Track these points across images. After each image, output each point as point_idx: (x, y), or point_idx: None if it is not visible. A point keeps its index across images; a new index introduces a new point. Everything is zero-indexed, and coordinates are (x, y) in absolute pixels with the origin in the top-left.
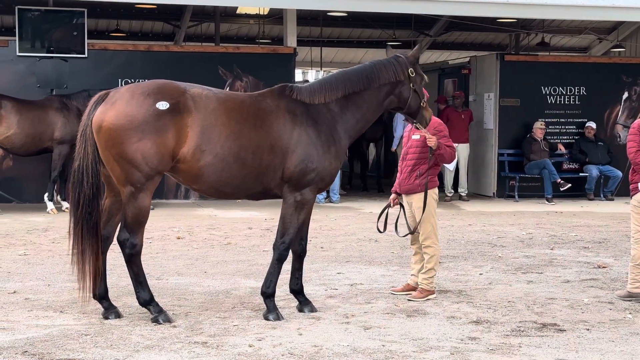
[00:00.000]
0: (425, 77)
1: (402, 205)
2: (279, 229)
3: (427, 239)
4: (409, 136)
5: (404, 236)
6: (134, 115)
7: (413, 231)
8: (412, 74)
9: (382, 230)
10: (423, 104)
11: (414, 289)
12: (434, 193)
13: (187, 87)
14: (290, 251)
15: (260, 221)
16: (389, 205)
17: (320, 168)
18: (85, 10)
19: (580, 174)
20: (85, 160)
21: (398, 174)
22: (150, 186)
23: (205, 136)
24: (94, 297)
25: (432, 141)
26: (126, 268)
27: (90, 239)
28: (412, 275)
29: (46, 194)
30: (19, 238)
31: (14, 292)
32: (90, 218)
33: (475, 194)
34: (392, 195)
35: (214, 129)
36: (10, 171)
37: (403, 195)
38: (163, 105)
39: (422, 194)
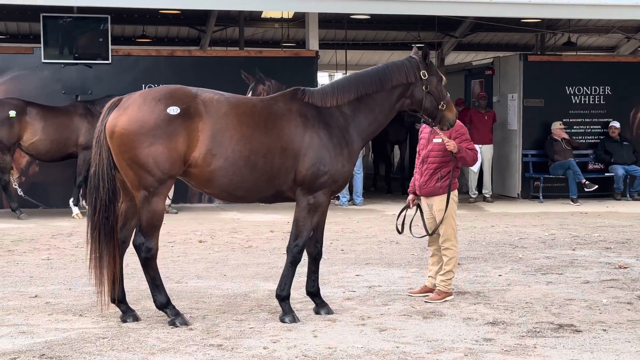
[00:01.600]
0: (444, 78)
1: (419, 206)
2: (292, 232)
3: (446, 241)
4: (429, 139)
5: (420, 237)
6: (145, 121)
7: (431, 233)
8: (425, 75)
9: (401, 231)
10: (442, 106)
11: (431, 290)
12: (454, 195)
13: (199, 92)
14: (306, 253)
15: (282, 224)
16: (407, 207)
17: (333, 171)
18: (109, 16)
19: (606, 174)
20: (101, 166)
21: (417, 176)
22: (163, 190)
23: (216, 140)
24: (112, 301)
25: (450, 145)
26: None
27: (107, 243)
28: (429, 277)
29: (71, 199)
30: (43, 243)
31: (35, 296)
32: (107, 223)
33: (500, 195)
34: (410, 196)
35: (225, 133)
36: (37, 177)
37: (422, 197)
38: (174, 110)
39: (443, 196)
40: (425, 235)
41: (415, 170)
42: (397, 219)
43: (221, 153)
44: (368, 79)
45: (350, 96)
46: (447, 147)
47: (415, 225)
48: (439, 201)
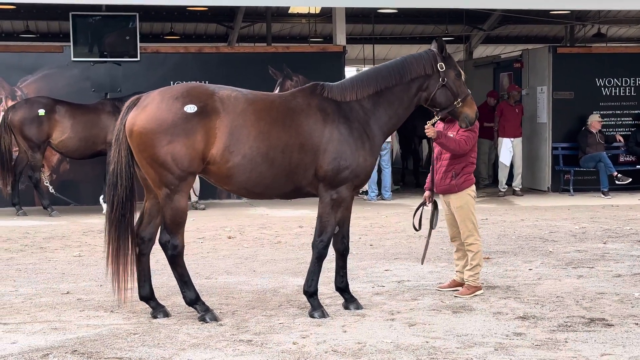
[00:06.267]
0: (462, 72)
1: (435, 203)
2: (317, 228)
3: (469, 237)
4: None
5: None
6: (163, 119)
7: (433, 226)
8: (442, 67)
9: (418, 228)
10: (458, 102)
11: (460, 284)
12: (471, 191)
13: (216, 89)
14: (334, 250)
15: (311, 219)
16: (424, 203)
17: (354, 165)
18: (137, 14)
19: (637, 166)
20: (120, 164)
21: (435, 174)
22: (184, 187)
23: (234, 137)
24: (140, 298)
25: (430, 132)
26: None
27: (124, 240)
28: (457, 271)
29: (101, 196)
30: (74, 240)
31: (67, 292)
32: (124, 220)
33: (530, 189)
34: (427, 193)
35: (242, 130)
36: (67, 174)
37: (440, 195)
38: (191, 108)
39: (459, 193)
40: (431, 229)
41: (431, 167)
42: (414, 217)
43: (239, 150)
44: (387, 73)
45: (369, 90)
46: (426, 132)
47: (426, 219)
48: (455, 198)
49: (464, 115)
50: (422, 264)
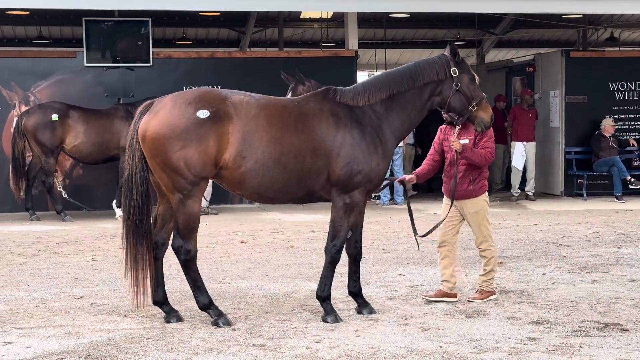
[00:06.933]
0: (477, 76)
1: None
2: (330, 233)
3: (483, 242)
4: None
5: (422, 236)
6: (175, 124)
7: (423, 235)
8: (455, 72)
9: (421, 235)
10: (473, 107)
11: (446, 295)
12: (485, 196)
13: (229, 94)
14: (346, 254)
15: (323, 224)
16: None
17: (367, 169)
18: (150, 19)
19: None
20: (134, 169)
21: (445, 179)
22: (197, 192)
23: (246, 142)
24: (154, 303)
25: (456, 145)
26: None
27: (142, 245)
28: (443, 281)
29: (114, 201)
30: (87, 244)
31: (81, 297)
32: (141, 225)
33: (543, 193)
34: (409, 177)
35: (255, 134)
36: (80, 179)
37: (455, 201)
38: (203, 113)
39: (475, 199)
40: (424, 235)
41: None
42: (412, 224)
43: (251, 155)
44: (399, 77)
45: (382, 95)
46: (452, 146)
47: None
48: (470, 204)
49: (479, 119)
50: (421, 236)
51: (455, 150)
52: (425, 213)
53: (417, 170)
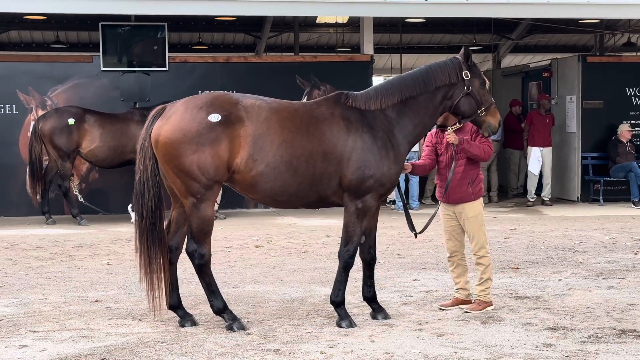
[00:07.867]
0: (487, 81)
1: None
2: (343, 238)
3: (480, 249)
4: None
5: (418, 233)
6: (187, 129)
7: (419, 231)
8: (467, 76)
9: (417, 231)
10: (481, 112)
11: (463, 302)
12: (481, 201)
13: (240, 98)
14: (360, 260)
15: (338, 229)
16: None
17: (379, 174)
18: (166, 24)
19: None
20: (145, 172)
21: (439, 182)
22: (210, 196)
23: (257, 146)
24: (169, 307)
25: (451, 137)
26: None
27: (155, 249)
28: (458, 289)
29: (130, 205)
30: (103, 248)
31: (96, 300)
32: (155, 229)
33: (559, 199)
34: (406, 164)
35: (266, 138)
36: (96, 183)
37: (448, 204)
38: (215, 117)
39: (474, 202)
40: (419, 232)
41: (436, 177)
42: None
43: (262, 158)
44: (411, 82)
45: (394, 99)
46: (447, 138)
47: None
48: (469, 208)
49: (487, 124)
50: (417, 232)
51: (452, 143)
52: (439, 218)
53: (414, 162)
